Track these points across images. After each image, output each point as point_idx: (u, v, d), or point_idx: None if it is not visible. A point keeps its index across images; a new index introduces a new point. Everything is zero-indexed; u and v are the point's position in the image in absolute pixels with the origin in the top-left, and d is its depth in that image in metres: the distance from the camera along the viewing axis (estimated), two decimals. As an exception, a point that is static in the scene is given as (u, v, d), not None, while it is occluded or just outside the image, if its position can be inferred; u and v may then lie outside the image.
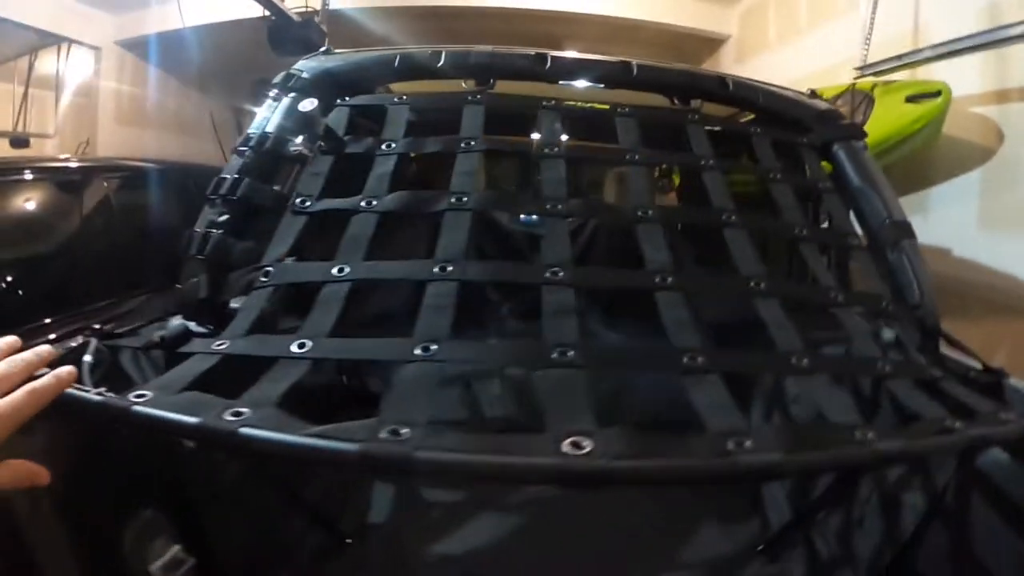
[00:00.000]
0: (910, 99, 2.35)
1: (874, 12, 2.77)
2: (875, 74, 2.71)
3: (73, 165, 2.71)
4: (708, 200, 1.16)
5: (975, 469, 0.91)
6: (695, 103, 1.42)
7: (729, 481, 0.66)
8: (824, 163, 1.41)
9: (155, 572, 0.85)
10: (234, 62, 6.75)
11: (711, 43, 5.47)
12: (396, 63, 1.32)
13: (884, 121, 2.46)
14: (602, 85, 1.42)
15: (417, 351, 0.75)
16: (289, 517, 1.26)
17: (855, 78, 2.78)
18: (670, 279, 0.93)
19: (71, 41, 5.21)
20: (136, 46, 5.55)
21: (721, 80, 1.44)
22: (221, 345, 0.78)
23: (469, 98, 1.24)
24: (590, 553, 1.30)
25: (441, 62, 1.32)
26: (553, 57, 1.34)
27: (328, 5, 3.33)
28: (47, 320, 2.04)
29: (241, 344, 0.78)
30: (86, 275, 2.31)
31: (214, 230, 1.02)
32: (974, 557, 0.91)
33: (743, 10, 5.08)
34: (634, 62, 1.39)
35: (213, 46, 6.02)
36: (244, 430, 0.57)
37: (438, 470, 0.62)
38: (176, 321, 0.89)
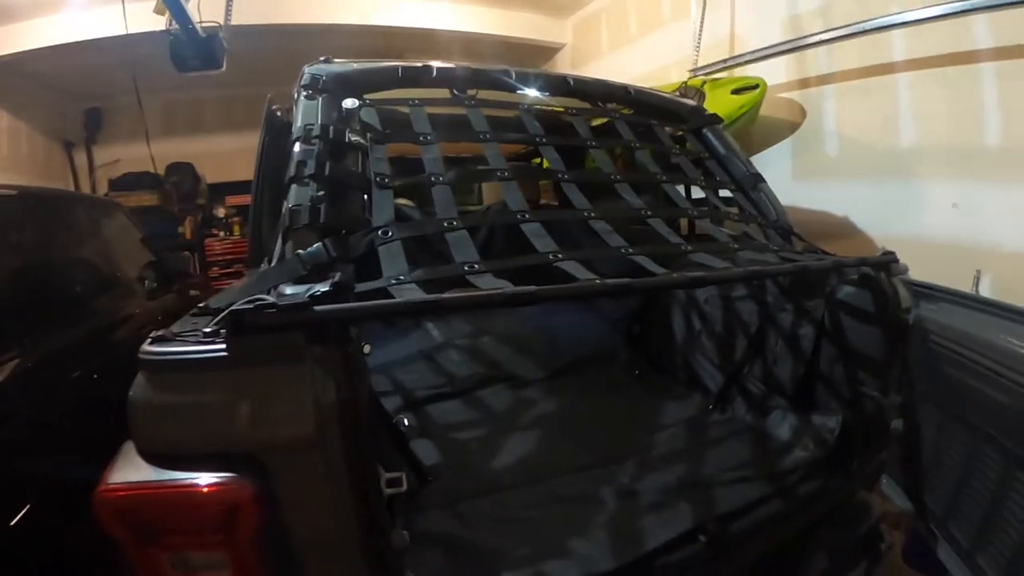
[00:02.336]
0: (735, 91, 3.10)
1: (702, 26, 3.54)
2: (706, 74, 3.46)
3: None
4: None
5: (838, 300, 1.51)
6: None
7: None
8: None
9: (383, 489, 1.01)
10: (66, 91, 6.28)
11: (548, 51, 6.12)
12: (400, 73, 1.59)
13: (715, 109, 3.17)
14: (547, 93, 1.87)
15: None
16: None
17: (688, 78, 3.52)
18: (593, 213, 1.39)
19: None
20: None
21: (625, 88, 1.98)
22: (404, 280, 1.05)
23: (467, 102, 1.61)
24: (603, 436, 1.76)
25: (434, 75, 1.63)
26: (517, 72, 1.76)
27: (230, 21, 3.35)
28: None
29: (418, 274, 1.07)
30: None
31: (319, 205, 1.18)
32: (850, 356, 1.50)
33: (577, 21, 5.78)
34: (569, 77, 1.88)
35: (45, 74, 5.60)
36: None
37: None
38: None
